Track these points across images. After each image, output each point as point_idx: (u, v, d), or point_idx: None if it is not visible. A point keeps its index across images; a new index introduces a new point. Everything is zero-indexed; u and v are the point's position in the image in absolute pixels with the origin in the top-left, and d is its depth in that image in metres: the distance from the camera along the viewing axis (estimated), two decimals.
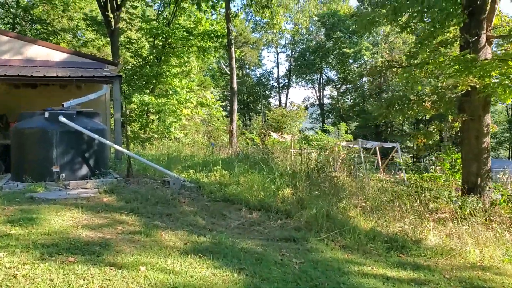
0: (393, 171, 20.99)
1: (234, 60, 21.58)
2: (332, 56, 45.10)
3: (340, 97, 47.91)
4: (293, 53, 51.18)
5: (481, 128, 8.89)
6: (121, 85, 16.79)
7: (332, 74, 50.02)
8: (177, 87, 23.83)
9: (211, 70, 42.20)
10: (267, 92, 52.76)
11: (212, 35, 23.61)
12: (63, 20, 27.39)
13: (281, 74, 54.29)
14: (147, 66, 24.03)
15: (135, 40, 26.04)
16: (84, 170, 8.51)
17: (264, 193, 7.78)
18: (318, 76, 50.86)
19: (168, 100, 22.84)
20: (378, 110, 9.69)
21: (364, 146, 19.55)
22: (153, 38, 24.31)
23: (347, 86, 47.39)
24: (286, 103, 50.13)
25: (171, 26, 23.87)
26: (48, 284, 3.41)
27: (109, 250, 4.26)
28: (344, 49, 40.28)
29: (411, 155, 37.28)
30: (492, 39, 9.24)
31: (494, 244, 6.19)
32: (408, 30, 8.74)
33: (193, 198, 7.62)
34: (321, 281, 4.12)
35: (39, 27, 26.18)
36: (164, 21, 24.90)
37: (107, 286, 3.48)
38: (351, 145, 20.44)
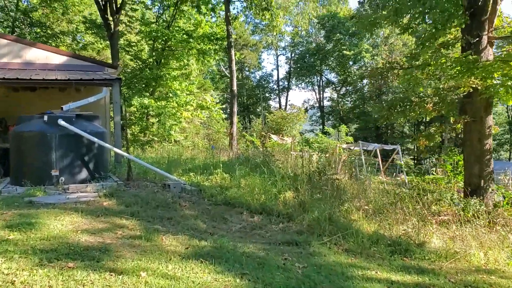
0: (394, 173, 20.90)
1: (234, 62, 21.55)
2: (332, 58, 45.05)
3: (340, 99, 47.84)
4: (292, 55, 51.18)
5: (483, 130, 8.83)
6: (121, 88, 16.74)
7: (332, 76, 50.04)
8: (177, 90, 23.80)
9: (210, 73, 42.19)
10: (267, 95, 52.71)
11: (212, 37, 23.59)
12: (63, 23, 27.38)
13: (280, 76, 54.25)
14: (147, 69, 24.00)
15: (134, 43, 26.02)
16: (84, 173, 8.44)
17: (266, 196, 7.71)
18: (318, 78, 50.83)
19: (168, 103, 22.82)
20: (379, 112, 9.64)
21: (365, 148, 19.47)
22: (153, 41, 24.29)
23: (347, 88, 47.33)
24: (286, 105, 50.10)
25: (170, 28, 23.85)
26: None
27: (109, 255, 4.19)
28: (344, 51, 40.25)
29: (411, 157, 37.23)
30: (493, 40, 9.19)
31: (498, 247, 6.12)
32: (410, 31, 8.70)
33: (194, 201, 7.55)
34: (325, 286, 4.05)
35: (38, 30, 26.15)
36: (164, 23, 24.89)
37: None
38: (351, 147, 20.38)
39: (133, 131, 23.55)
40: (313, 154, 12.30)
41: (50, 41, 24.96)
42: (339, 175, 9.93)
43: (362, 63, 41.84)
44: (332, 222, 6.29)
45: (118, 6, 21.08)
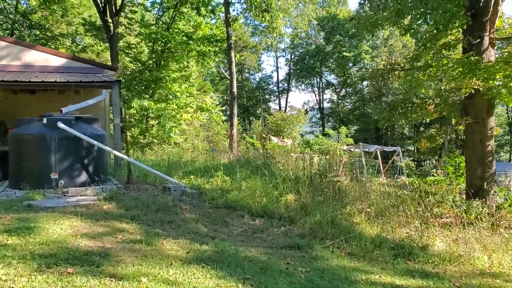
0: (396, 175, 20.84)
1: (234, 64, 21.51)
2: (332, 60, 45.01)
3: (340, 101, 47.79)
4: (292, 57, 51.13)
5: (485, 131, 8.78)
6: (121, 90, 16.69)
7: (332, 78, 49.99)
8: (177, 91, 23.73)
9: (210, 75, 42.16)
10: (266, 96, 52.65)
11: (212, 39, 23.54)
12: (62, 26, 27.31)
13: (280, 78, 54.21)
14: (147, 71, 23.93)
15: (134, 45, 25.97)
16: (83, 176, 8.38)
17: (267, 199, 7.65)
18: (318, 80, 50.78)
19: (168, 105, 22.75)
20: (380, 113, 9.59)
21: (365, 150, 19.41)
22: (152, 43, 24.23)
23: (347, 89, 47.29)
24: (286, 107, 50.03)
25: (170, 30, 23.80)
26: None
27: (109, 260, 4.13)
28: (344, 53, 40.21)
29: (411, 158, 37.15)
30: (495, 41, 9.14)
31: (502, 249, 6.07)
32: (411, 32, 8.65)
33: (195, 204, 7.49)
34: None
35: (37, 32, 26.09)
36: (164, 25, 24.84)
37: None
38: (352, 149, 20.33)
39: (133, 133, 23.48)
40: (314, 156, 12.23)
41: (49, 43, 24.89)
42: (340, 177, 9.87)
43: (362, 65, 41.80)
44: (335, 225, 6.23)
45: (118, 8, 21.04)
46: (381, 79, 31.41)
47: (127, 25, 25.82)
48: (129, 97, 22.81)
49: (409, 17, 8.54)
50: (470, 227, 6.87)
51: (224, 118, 31.40)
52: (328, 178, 8.78)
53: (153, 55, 24.42)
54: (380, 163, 19.49)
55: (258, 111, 48.58)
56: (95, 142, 8.41)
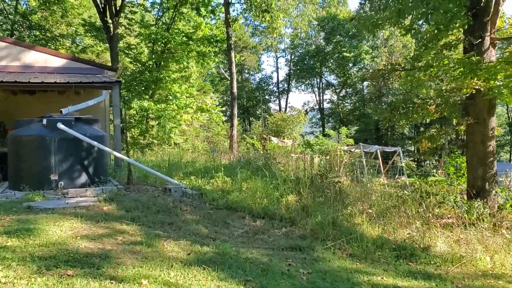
0: (397, 175, 20.80)
1: (234, 64, 21.49)
2: (332, 60, 44.96)
3: (340, 101, 47.75)
4: (292, 57, 51.07)
5: (486, 132, 8.74)
6: (121, 91, 16.67)
7: (332, 78, 49.95)
8: (177, 92, 23.71)
9: (210, 75, 42.13)
10: (266, 97, 52.60)
11: (212, 40, 23.51)
12: (62, 26, 27.29)
13: (280, 78, 54.18)
14: (147, 72, 23.90)
15: (134, 46, 25.94)
16: (83, 178, 8.35)
17: (268, 200, 7.62)
18: (318, 80, 50.75)
19: (168, 105, 22.72)
20: (381, 114, 9.55)
21: (365, 150, 19.38)
22: (152, 44, 24.20)
23: (347, 90, 47.26)
24: (286, 107, 50.00)
25: (170, 31, 23.76)
26: None
27: (110, 262, 4.10)
28: (344, 53, 40.18)
29: (411, 158, 37.11)
30: (496, 41, 9.11)
31: (504, 250, 6.04)
32: (412, 32, 8.61)
33: (195, 206, 7.46)
34: None
35: (37, 33, 26.05)
36: (163, 26, 24.80)
37: None
38: (352, 149, 20.28)
39: (133, 134, 23.45)
40: (315, 157, 12.20)
41: (49, 44, 24.86)
42: (341, 177, 9.84)
43: (362, 65, 41.77)
44: (336, 226, 6.20)
45: (118, 8, 21.01)
46: (382, 79, 31.40)
47: (127, 26, 25.80)
48: (129, 97, 22.78)
49: (410, 17, 8.50)
50: (471, 228, 6.84)
51: (224, 118, 31.36)
52: (329, 179, 8.75)
53: (153, 56, 24.40)
54: (381, 164, 19.46)
55: (258, 112, 48.55)
56: (95, 143, 8.38)
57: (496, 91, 7.93)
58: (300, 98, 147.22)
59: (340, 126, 35.40)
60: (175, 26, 24.57)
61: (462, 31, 8.95)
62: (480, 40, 8.52)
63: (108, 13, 20.71)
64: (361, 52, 39.74)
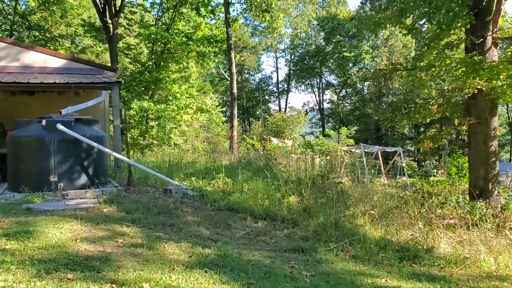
0: (398, 176, 20.76)
1: (234, 65, 21.45)
2: (332, 60, 44.89)
3: (340, 101, 47.70)
4: (292, 57, 51.01)
5: (488, 132, 8.70)
6: (120, 91, 16.60)
7: (332, 78, 49.89)
8: (177, 93, 23.64)
9: (210, 76, 42.06)
10: (266, 97, 52.51)
11: (212, 40, 23.45)
12: (61, 27, 27.22)
13: (280, 79, 54.10)
14: (146, 72, 23.84)
15: (133, 46, 25.87)
16: (83, 179, 8.28)
17: (269, 201, 7.56)
18: (318, 80, 50.68)
19: (168, 106, 22.65)
20: (383, 114, 9.49)
21: (366, 150, 19.33)
22: (152, 44, 24.14)
23: (347, 90, 47.20)
24: (285, 108, 49.94)
25: (170, 31, 23.71)
26: None
27: (110, 266, 4.04)
28: (344, 53, 40.11)
29: (411, 158, 37.07)
30: (498, 40, 9.06)
31: (508, 251, 5.99)
32: (414, 32, 8.57)
33: (196, 207, 7.40)
34: None
35: (37, 33, 25.97)
36: (163, 26, 24.75)
37: None
38: (352, 150, 20.23)
39: (133, 134, 23.38)
40: (316, 157, 12.15)
41: (48, 45, 24.77)
42: (342, 178, 9.78)
43: (362, 65, 41.71)
44: (338, 227, 6.15)
45: (117, 9, 20.95)
46: (383, 79, 31.33)
47: (127, 26, 25.74)
48: (129, 98, 22.72)
49: (412, 16, 8.45)
50: (474, 229, 6.79)
51: (224, 119, 31.30)
52: (330, 180, 8.70)
53: (153, 56, 24.33)
54: (381, 164, 19.42)
55: (258, 112, 48.50)
56: (95, 144, 8.31)
57: (499, 90, 7.89)
58: (300, 98, 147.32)
59: (340, 127, 35.38)
60: (175, 26, 24.51)
61: (463, 31, 8.91)
62: (482, 39, 8.47)
63: (107, 13, 20.65)
64: (361, 52, 39.68)
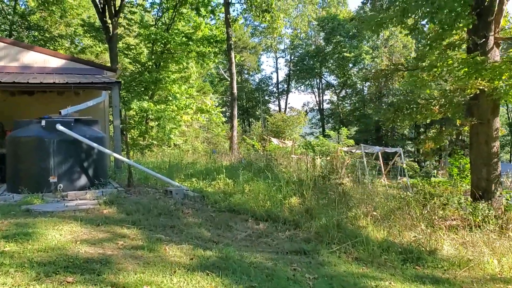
0: (399, 177, 20.70)
1: (234, 65, 21.42)
2: (332, 61, 44.86)
3: (340, 102, 47.66)
4: (292, 58, 50.97)
5: (490, 132, 8.65)
6: (120, 92, 16.54)
7: (332, 79, 49.85)
8: (177, 93, 23.60)
9: (209, 76, 42.00)
10: (266, 98, 52.45)
11: (212, 40, 23.41)
12: (61, 27, 27.16)
13: (280, 79, 54.06)
14: (146, 72, 23.80)
15: (133, 46, 25.84)
16: (83, 180, 8.22)
17: (271, 202, 7.50)
18: (318, 80, 50.65)
19: (168, 106, 22.62)
20: (385, 115, 9.44)
21: (366, 151, 19.27)
22: (152, 44, 24.10)
23: (347, 90, 47.16)
24: (285, 108, 49.91)
25: (169, 31, 23.67)
26: None
27: (110, 268, 3.97)
28: (344, 53, 40.07)
29: (411, 159, 37.02)
30: (500, 41, 9.01)
31: (511, 253, 5.93)
32: (416, 32, 8.51)
33: (197, 208, 7.34)
34: None
35: (36, 33, 25.92)
36: (163, 26, 24.71)
37: None
38: (353, 150, 20.17)
39: (133, 135, 23.33)
40: (317, 158, 12.10)
41: (48, 45, 24.72)
42: (343, 179, 9.73)
43: (362, 65, 41.68)
44: (340, 229, 6.10)
45: (117, 9, 20.91)
46: (384, 79, 31.28)
47: (127, 26, 25.70)
48: (129, 98, 22.67)
49: (414, 16, 8.40)
50: (477, 230, 6.74)
51: (224, 119, 31.25)
52: (332, 181, 8.65)
53: (153, 56, 24.29)
54: (381, 164, 19.36)
55: (257, 113, 48.44)
56: (94, 145, 8.26)
57: (502, 91, 7.84)
58: (300, 98, 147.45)
59: (340, 127, 35.33)
60: (175, 26, 24.48)
61: (466, 31, 8.86)
62: (484, 39, 8.42)
63: (107, 13, 20.61)
64: (361, 52, 39.64)
